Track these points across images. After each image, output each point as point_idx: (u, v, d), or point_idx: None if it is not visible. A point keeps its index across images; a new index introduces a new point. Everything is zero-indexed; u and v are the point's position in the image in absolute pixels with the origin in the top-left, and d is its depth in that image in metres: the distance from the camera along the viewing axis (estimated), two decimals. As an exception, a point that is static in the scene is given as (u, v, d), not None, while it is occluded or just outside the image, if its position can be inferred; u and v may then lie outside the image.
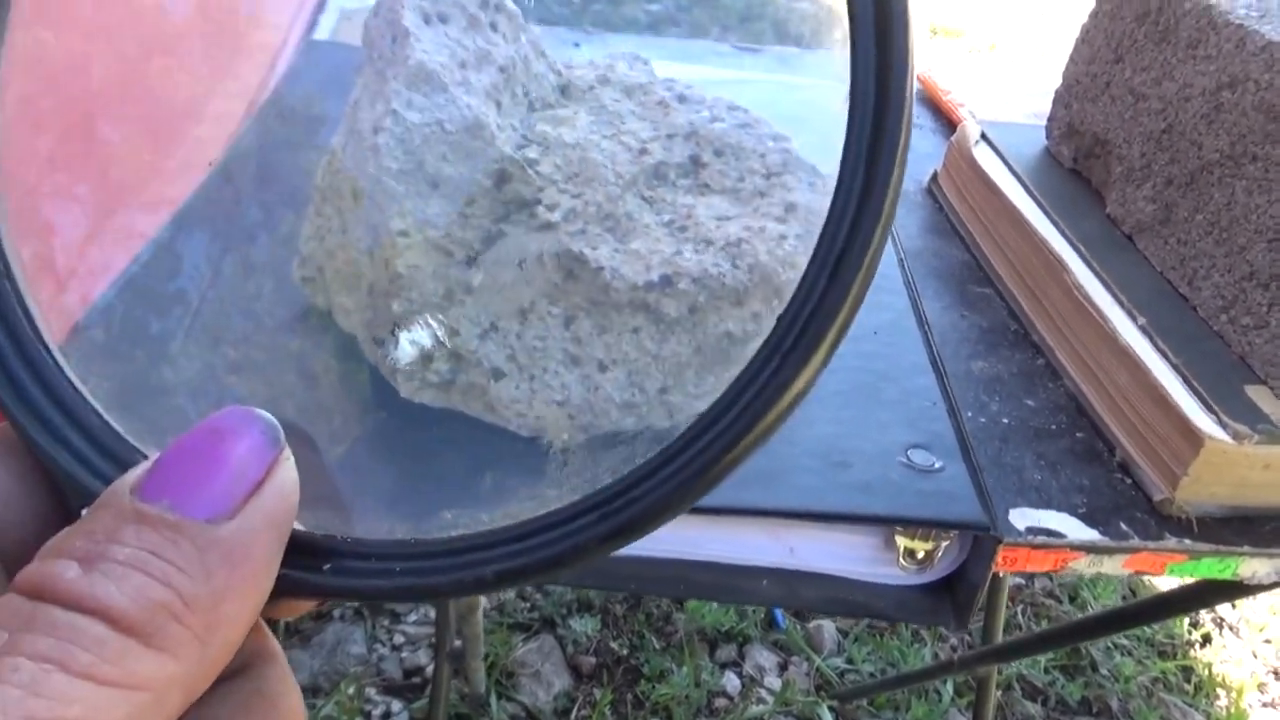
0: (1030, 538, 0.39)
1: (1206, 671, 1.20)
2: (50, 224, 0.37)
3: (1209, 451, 0.39)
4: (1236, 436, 0.39)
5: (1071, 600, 1.27)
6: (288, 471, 0.17)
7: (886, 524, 0.33)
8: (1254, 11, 0.46)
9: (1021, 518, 0.40)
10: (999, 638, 0.82)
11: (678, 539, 0.35)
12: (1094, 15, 0.56)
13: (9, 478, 0.18)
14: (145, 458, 0.18)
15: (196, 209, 0.40)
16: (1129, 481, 0.43)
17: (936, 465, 0.35)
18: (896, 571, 0.34)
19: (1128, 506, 0.42)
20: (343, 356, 0.36)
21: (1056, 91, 0.60)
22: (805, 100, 0.53)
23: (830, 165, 0.40)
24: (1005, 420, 0.46)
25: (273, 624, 0.19)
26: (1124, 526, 0.41)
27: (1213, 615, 1.30)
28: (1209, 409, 0.41)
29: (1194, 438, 0.40)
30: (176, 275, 0.38)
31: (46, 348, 0.19)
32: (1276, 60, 0.42)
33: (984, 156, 0.59)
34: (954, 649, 1.20)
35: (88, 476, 0.18)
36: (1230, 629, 1.28)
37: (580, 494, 0.18)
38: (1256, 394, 0.42)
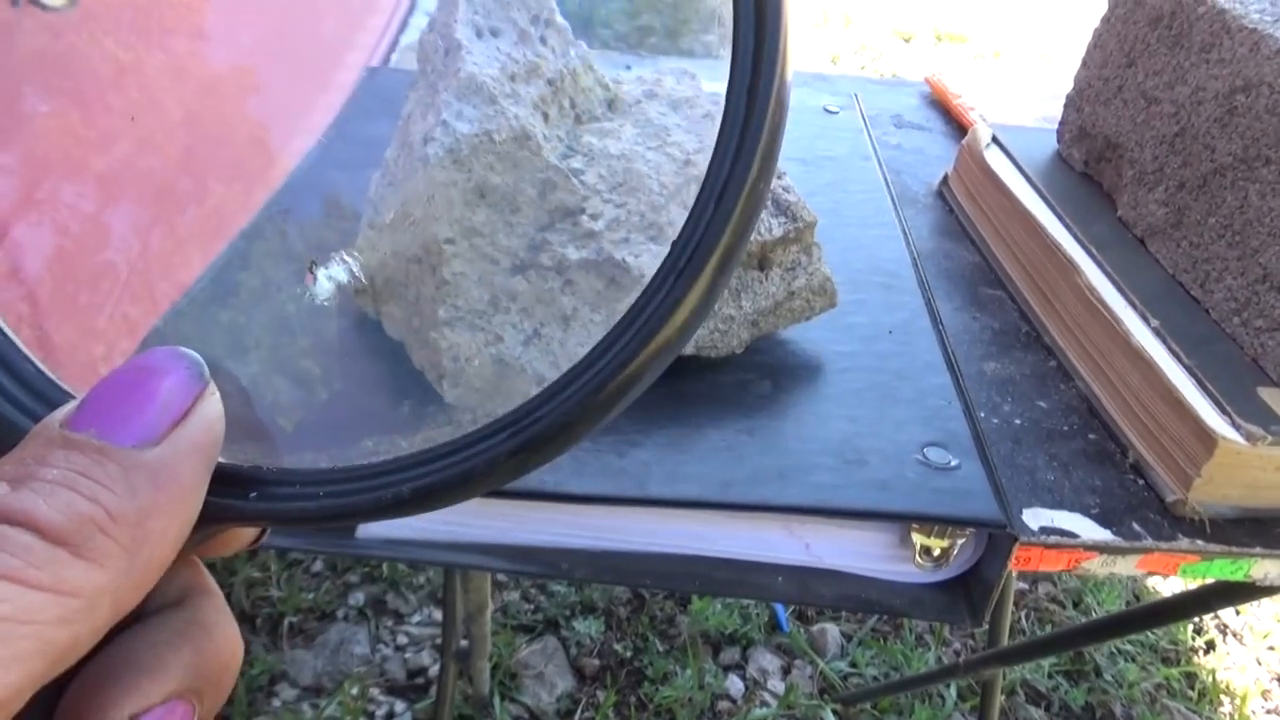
0: (1044, 537, 0.39)
1: (1210, 678, 1.20)
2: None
3: (1222, 453, 0.39)
4: (1250, 438, 0.39)
5: (1075, 605, 1.27)
6: (212, 405, 0.18)
7: (903, 520, 0.33)
8: (1268, 16, 0.46)
9: (1035, 518, 0.40)
10: (1004, 641, 0.82)
11: (694, 535, 0.36)
12: (1106, 19, 0.56)
13: None
14: (75, 399, 0.18)
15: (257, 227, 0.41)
16: (1141, 483, 0.43)
17: (953, 463, 0.36)
18: (912, 569, 0.35)
19: (1140, 507, 0.42)
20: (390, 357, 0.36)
21: (1068, 95, 0.60)
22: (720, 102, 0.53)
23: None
24: (1018, 421, 0.46)
25: (209, 565, 0.20)
26: (1137, 527, 0.41)
27: (1217, 621, 1.30)
28: (1222, 411, 0.41)
29: (1207, 439, 0.40)
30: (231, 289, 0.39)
31: None
32: (1291, 64, 0.43)
33: (995, 159, 0.59)
34: (958, 653, 1.20)
35: (19, 416, 0.19)
36: (1234, 635, 1.28)
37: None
38: (1270, 396, 0.42)
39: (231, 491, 0.19)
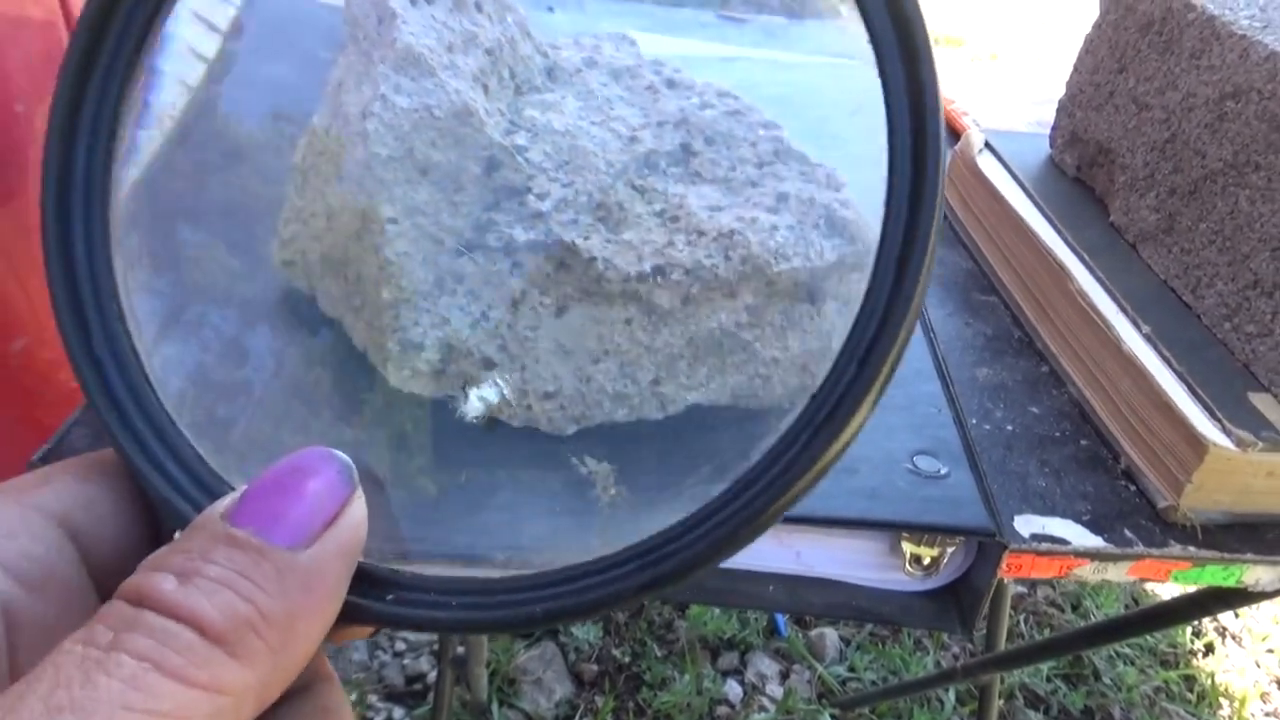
0: (1035, 544, 0.39)
1: (1209, 681, 1.20)
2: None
3: (1213, 459, 0.39)
4: (1240, 444, 0.39)
5: (1074, 609, 1.27)
6: (359, 508, 0.19)
7: (893, 529, 0.33)
8: (1257, 22, 0.46)
9: (1026, 524, 0.40)
10: (1001, 645, 0.82)
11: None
12: (1098, 25, 0.56)
13: (111, 498, 0.21)
14: (232, 489, 0.20)
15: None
16: (1133, 489, 0.43)
17: (942, 471, 0.36)
18: (902, 577, 0.35)
19: (1132, 514, 0.42)
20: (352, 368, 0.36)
21: (1060, 100, 0.60)
22: (793, 81, 0.50)
23: (820, 152, 0.39)
24: (1009, 427, 0.46)
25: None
26: (1128, 533, 0.41)
27: (1216, 624, 1.29)
28: (1213, 416, 0.41)
29: (1198, 445, 0.40)
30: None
31: (150, 385, 0.21)
32: (1278, 70, 0.43)
33: (988, 165, 0.60)
34: (956, 657, 1.20)
35: (182, 502, 0.20)
36: (1233, 638, 1.27)
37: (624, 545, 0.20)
38: (1260, 402, 0.42)
39: (370, 591, 0.20)
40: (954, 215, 0.62)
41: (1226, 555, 0.40)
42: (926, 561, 0.34)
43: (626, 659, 1.10)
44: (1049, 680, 1.17)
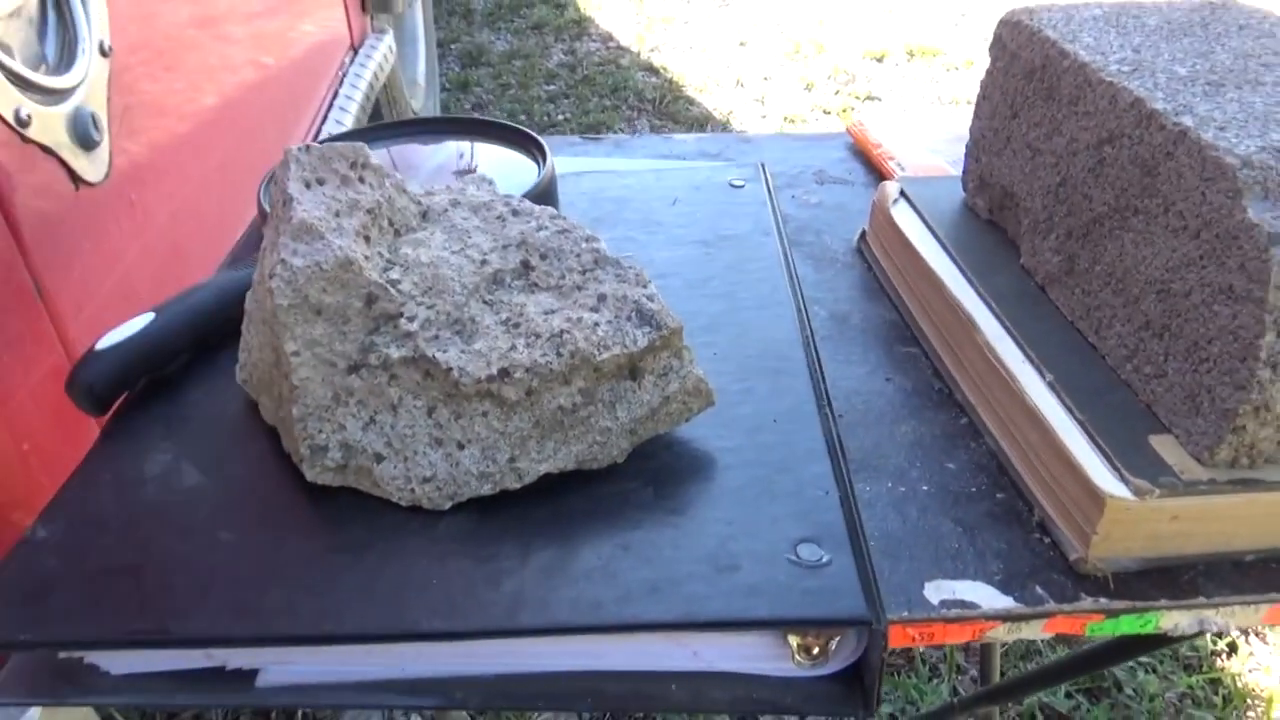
0: (944, 611, 0.39)
1: (1235, 683, 1.17)
2: None
3: (1113, 509, 0.40)
4: (1139, 492, 0.40)
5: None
6: None
7: (771, 627, 0.34)
8: (1126, 66, 0.47)
9: (936, 590, 0.40)
10: (996, 678, 0.81)
11: (582, 653, 0.36)
12: (990, 73, 0.57)
13: None
14: None
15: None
16: (1047, 541, 0.43)
17: (824, 559, 0.36)
18: (793, 666, 0.35)
19: (1045, 568, 0.42)
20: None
21: (967, 145, 0.61)
22: (628, 184, 0.65)
23: (647, 235, 0.50)
24: (925, 487, 0.46)
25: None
26: (1039, 590, 0.41)
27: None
28: (1112, 465, 0.41)
29: (1096, 497, 0.40)
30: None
31: None
32: (1144, 116, 0.43)
33: (902, 215, 0.60)
34: (975, 680, 1.18)
35: None
36: (1257, 635, 1.25)
37: None
38: (1161, 444, 0.42)
39: None
40: (877, 266, 0.63)
41: (1139, 604, 0.40)
42: (815, 651, 0.35)
43: None
44: (1069, 696, 1.15)
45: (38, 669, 0.37)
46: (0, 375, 0.55)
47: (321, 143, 0.43)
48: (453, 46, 3.05)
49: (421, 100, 2.30)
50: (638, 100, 2.69)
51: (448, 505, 0.40)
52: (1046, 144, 0.52)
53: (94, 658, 0.37)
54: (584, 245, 0.43)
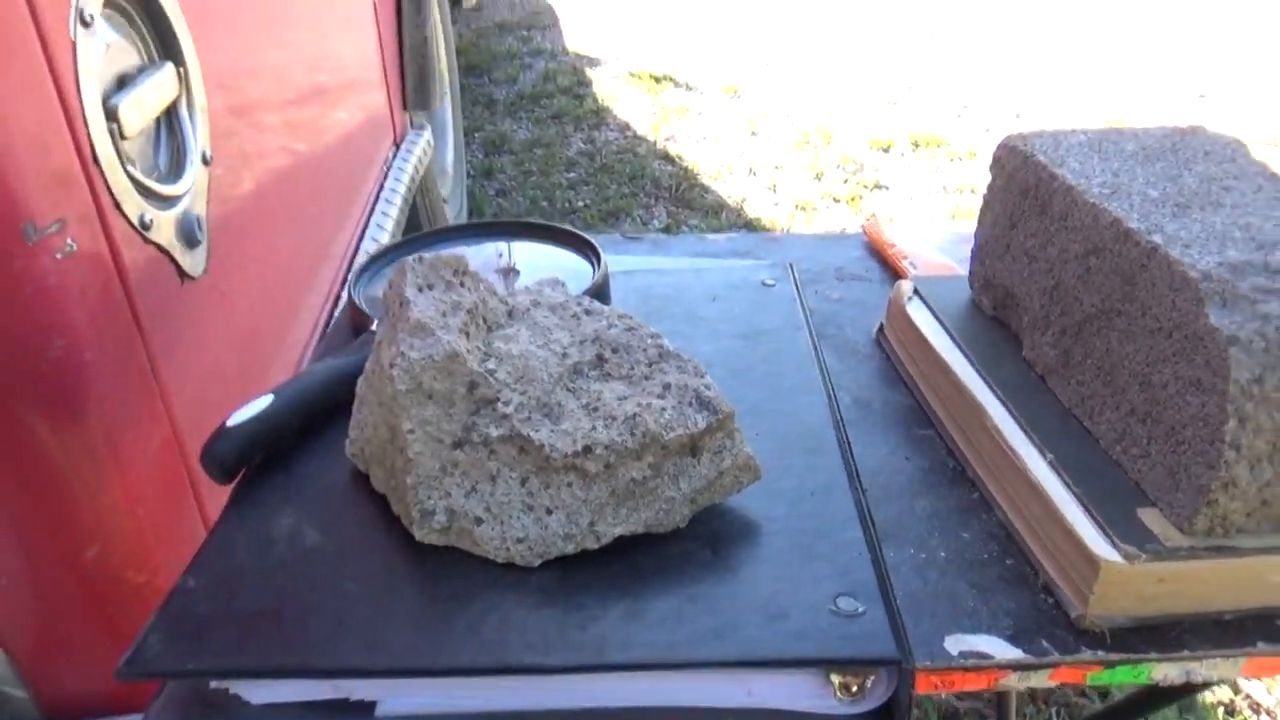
0: (962, 660, 0.46)
1: (1244, 758, 1.20)
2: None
3: (1106, 572, 0.46)
4: (1128, 557, 0.46)
5: (1103, 697, 1.29)
6: None
7: (817, 665, 0.40)
8: (1106, 189, 0.55)
9: (956, 643, 0.47)
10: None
11: (652, 691, 0.43)
12: (990, 188, 0.66)
13: None
14: None
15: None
16: (1051, 601, 0.50)
17: (860, 610, 0.43)
18: (835, 703, 0.41)
19: (1050, 625, 0.48)
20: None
21: (972, 249, 0.69)
22: (670, 282, 0.75)
23: (691, 329, 0.66)
24: (943, 554, 0.53)
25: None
26: (1045, 644, 0.47)
27: (1250, 701, 1.30)
28: (1105, 534, 0.48)
29: (1093, 561, 0.47)
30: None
31: None
32: (1122, 233, 0.51)
33: (917, 312, 0.68)
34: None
35: None
36: (1267, 714, 1.28)
37: None
38: (1148, 516, 0.49)
39: None
40: (894, 356, 0.70)
41: (1133, 656, 0.46)
42: (854, 689, 0.41)
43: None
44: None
45: (189, 698, 0.43)
46: (123, 448, 0.63)
47: (429, 254, 0.51)
48: (477, 135, 3.20)
49: (450, 187, 2.43)
50: (654, 187, 2.82)
51: (537, 562, 0.47)
52: (1041, 252, 0.60)
53: (238, 688, 0.43)
54: (649, 341, 0.51)
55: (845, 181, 2.83)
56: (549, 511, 0.47)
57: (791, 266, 0.75)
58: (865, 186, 2.79)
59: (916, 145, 3.07)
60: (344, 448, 0.54)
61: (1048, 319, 0.59)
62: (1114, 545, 0.47)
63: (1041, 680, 0.47)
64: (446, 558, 0.48)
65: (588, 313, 0.53)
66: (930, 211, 2.68)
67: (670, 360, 0.51)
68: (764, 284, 0.72)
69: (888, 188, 2.80)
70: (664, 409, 0.48)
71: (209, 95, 0.82)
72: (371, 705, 0.43)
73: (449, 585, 0.46)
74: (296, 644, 0.42)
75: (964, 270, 0.82)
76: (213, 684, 0.43)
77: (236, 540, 0.49)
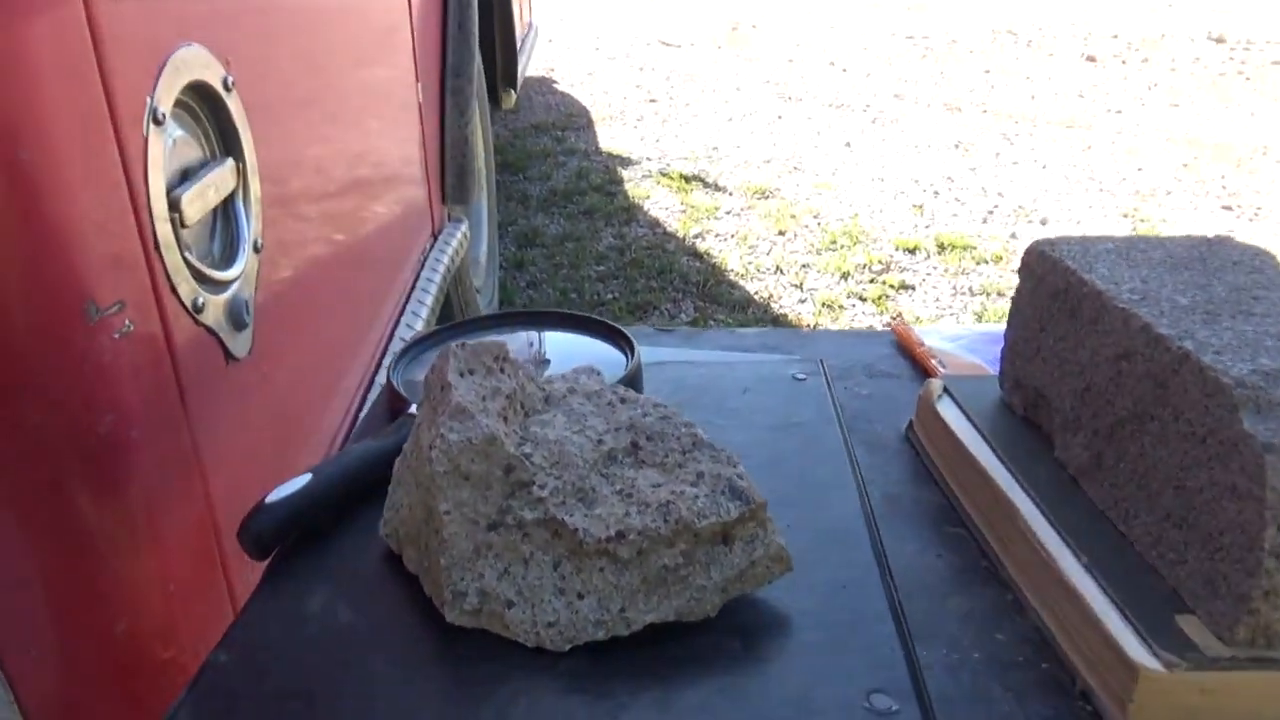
0: (998, 769, 0.44)
1: None
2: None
3: (1145, 681, 0.45)
4: (1168, 666, 0.45)
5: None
6: None
7: (850, 766, 0.40)
8: (1135, 294, 0.56)
9: (991, 750, 0.46)
10: None
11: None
12: (1019, 291, 0.67)
13: None
14: None
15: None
16: (1090, 709, 0.48)
17: (893, 708, 0.42)
18: (867, 809, 0.40)
19: (1089, 734, 0.47)
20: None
21: (1002, 350, 0.70)
22: (702, 374, 0.76)
23: (723, 419, 0.68)
24: (976, 655, 0.52)
25: None
26: (1085, 754, 0.46)
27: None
28: (1143, 640, 0.47)
29: (1132, 669, 0.46)
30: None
31: None
32: (1153, 338, 0.52)
33: (946, 409, 0.69)
34: None
35: None
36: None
37: None
38: (1186, 623, 0.48)
39: None
40: (925, 454, 0.70)
41: (1177, 770, 0.45)
42: (888, 793, 0.40)
43: None
44: None
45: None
46: (160, 523, 0.64)
47: (469, 343, 0.53)
48: (510, 228, 3.29)
49: (483, 278, 2.48)
50: (682, 283, 2.87)
51: (567, 647, 0.47)
52: (1072, 355, 0.60)
53: (261, 771, 0.43)
54: (683, 430, 0.52)
55: (871, 281, 2.87)
56: (580, 596, 0.47)
57: (822, 362, 0.77)
58: (891, 286, 2.82)
59: (942, 248, 3.11)
60: (378, 527, 0.55)
61: (1079, 420, 0.59)
62: (1154, 653, 0.46)
63: (1082, 793, 0.46)
64: (477, 640, 0.48)
65: (622, 401, 0.54)
66: (956, 313, 2.69)
67: (704, 449, 0.51)
68: (795, 378, 0.73)
69: (913, 288, 2.83)
70: (697, 496, 0.48)
71: (262, 187, 0.86)
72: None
73: (479, 668, 0.46)
74: (323, 725, 0.42)
75: (993, 370, 0.83)
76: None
77: (269, 616, 0.49)
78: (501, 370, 0.52)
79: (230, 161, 0.79)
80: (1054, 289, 0.62)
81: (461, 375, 0.51)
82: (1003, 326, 0.87)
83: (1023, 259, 0.67)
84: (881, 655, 0.45)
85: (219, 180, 0.76)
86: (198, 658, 0.48)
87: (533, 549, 0.48)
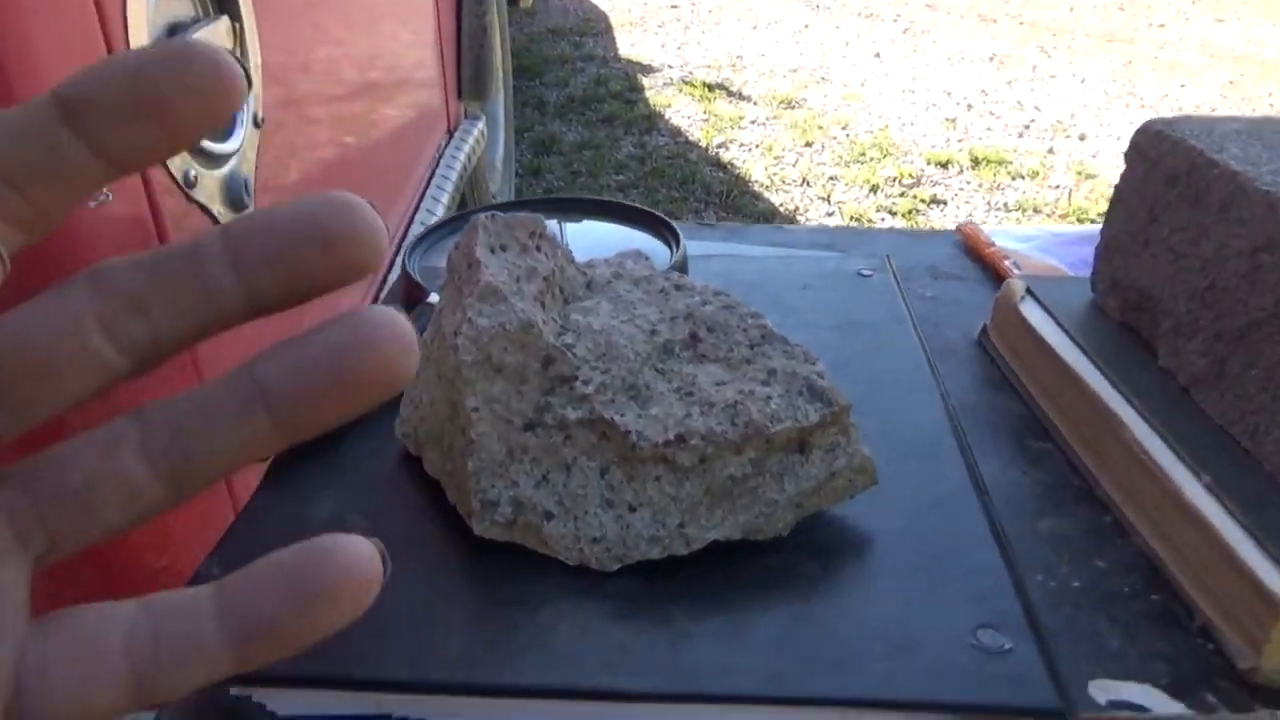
0: (1113, 712, 0.38)
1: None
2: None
3: (1290, 617, 0.39)
4: (1317, 600, 0.39)
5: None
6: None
7: (958, 712, 0.33)
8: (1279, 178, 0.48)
9: (1102, 690, 0.39)
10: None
11: (751, 726, 0.36)
12: (1125, 179, 0.58)
13: None
14: None
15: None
16: (1211, 647, 0.42)
17: (1006, 646, 0.36)
18: (970, 758, 0.34)
19: (1213, 675, 0.41)
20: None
21: (1097, 247, 0.61)
22: (756, 269, 0.67)
23: (781, 318, 0.50)
24: (1076, 584, 0.45)
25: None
26: (1211, 698, 0.39)
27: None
28: (1285, 571, 0.40)
29: (1272, 602, 0.39)
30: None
31: None
32: (1308, 224, 0.44)
33: (1031, 312, 0.61)
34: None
35: None
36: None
37: None
38: (1333, 553, 0.41)
39: None
40: (1003, 361, 0.63)
41: (1320, 718, 0.39)
42: (998, 741, 0.34)
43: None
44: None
45: (205, 704, 0.37)
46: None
47: (504, 213, 0.45)
48: (526, 135, 3.17)
49: (499, 183, 2.38)
50: (705, 193, 2.76)
51: (615, 567, 0.41)
52: (1192, 248, 0.52)
53: (263, 696, 0.37)
54: (750, 321, 0.45)
55: (901, 195, 2.75)
56: (632, 509, 0.41)
57: (889, 258, 0.69)
58: (922, 200, 2.71)
59: (976, 162, 2.98)
60: (394, 427, 0.48)
61: (1196, 323, 0.52)
62: (1298, 585, 0.39)
63: (1206, 741, 0.40)
64: (509, 556, 0.41)
65: (677, 288, 0.47)
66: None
67: (775, 343, 0.44)
68: (860, 274, 0.65)
69: (945, 203, 2.72)
70: (769, 397, 0.41)
71: (264, 57, 0.77)
72: (418, 725, 0.36)
73: (511, 588, 0.39)
74: (333, 649, 0.35)
75: (1072, 273, 0.74)
76: (234, 690, 0.36)
77: (269, 524, 0.43)
78: (538, 248, 0.45)
79: (225, 20, 0.70)
80: (1172, 173, 0.54)
81: (492, 251, 0.43)
82: (1078, 228, 0.79)
83: (1132, 140, 0.58)
84: (986, 585, 0.39)
85: (211, 38, 0.68)
86: (194, 565, 0.42)
87: (576, 453, 0.41)
